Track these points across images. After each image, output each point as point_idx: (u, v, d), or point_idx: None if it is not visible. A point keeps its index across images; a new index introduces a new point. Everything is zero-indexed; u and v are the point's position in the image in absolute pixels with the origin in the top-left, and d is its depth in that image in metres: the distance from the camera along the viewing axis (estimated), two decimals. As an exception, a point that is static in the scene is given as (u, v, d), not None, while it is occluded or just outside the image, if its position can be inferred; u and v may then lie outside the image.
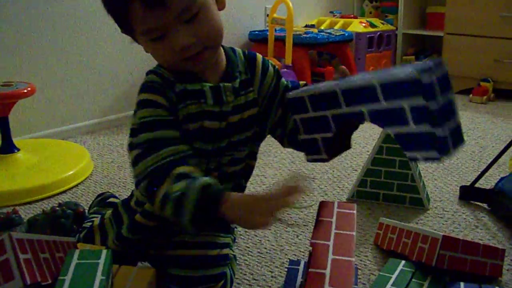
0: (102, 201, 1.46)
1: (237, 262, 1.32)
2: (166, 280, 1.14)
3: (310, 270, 0.78)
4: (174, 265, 1.14)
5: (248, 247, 1.42)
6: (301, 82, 1.19)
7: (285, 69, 2.76)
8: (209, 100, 1.06)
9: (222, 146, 1.12)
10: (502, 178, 1.63)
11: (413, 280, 1.14)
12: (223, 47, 1.14)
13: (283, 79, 1.19)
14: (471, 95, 3.14)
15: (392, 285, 1.12)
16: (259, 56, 1.18)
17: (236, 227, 1.33)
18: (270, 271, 1.31)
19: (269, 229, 1.51)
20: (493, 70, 3.14)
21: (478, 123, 2.67)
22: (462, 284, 1.12)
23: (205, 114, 1.07)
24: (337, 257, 0.80)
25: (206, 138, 1.08)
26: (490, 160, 1.74)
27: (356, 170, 1.96)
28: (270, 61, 1.19)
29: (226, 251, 1.19)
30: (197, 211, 0.91)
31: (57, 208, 1.26)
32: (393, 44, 3.63)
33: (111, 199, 1.47)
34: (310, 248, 0.85)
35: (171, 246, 1.17)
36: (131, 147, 1.02)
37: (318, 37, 2.98)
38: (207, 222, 0.93)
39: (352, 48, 3.27)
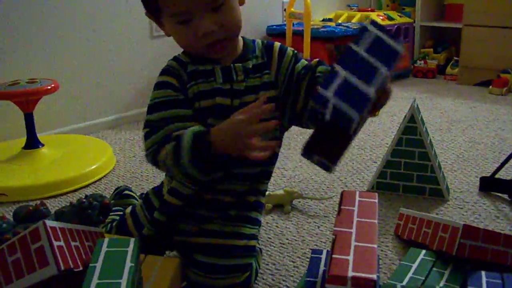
0: (118, 194, 1.51)
1: (261, 249, 1.34)
2: (190, 265, 1.17)
3: (333, 256, 0.80)
4: (201, 252, 1.17)
5: (270, 238, 1.44)
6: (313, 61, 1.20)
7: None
8: (218, 78, 1.13)
9: None
10: (522, 169, 1.63)
11: (433, 269, 1.16)
12: (243, 38, 1.19)
13: (302, 60, 1.20)
14: (490, 87, 3.12)
15: (413, 274, 1.14)
16: (277, 43, 1.22)
17: (261, 220, 1.34)
18: (292, 261, 1.33)
19: (290, 220, 1.53)
20: (512, 61, 3.12)
21: (498, 115, 2.66)
22: (483, 273, 1.13)
23: (216, 91, 1.13)
24: (360, 244, 0.82)
25: (221, 115, 1.11)
26: (510, 152, 1.74)
27: (375, 162, 1.97)
28: (288, 47, 1.22)
29: (253, 242, 1.22)
30: (193, 150, 0.99)
31: (84, 200, 1.29)
32: (410, 37, 3.62)
33: (126, 192, 1.51)
34: (333, 236, 0.86)
35: (200, 233, 1.20)
36: (144, 125, 1.11)
37: (336, 30, 2.99)
38: (206, 160, 1.00)
39: (370, 41, 3.26)
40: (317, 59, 1.19)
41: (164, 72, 1.14)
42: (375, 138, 2.30)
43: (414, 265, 1.17)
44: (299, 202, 1.65)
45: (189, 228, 1.21)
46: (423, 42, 3.79)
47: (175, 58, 1.16)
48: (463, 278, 1.13)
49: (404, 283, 1.11)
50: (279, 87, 1.17)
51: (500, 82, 3.09)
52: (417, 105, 1.64)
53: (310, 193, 1.73)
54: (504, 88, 3.07)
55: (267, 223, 1.52)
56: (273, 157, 1.25)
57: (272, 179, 1.83)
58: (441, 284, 1.11)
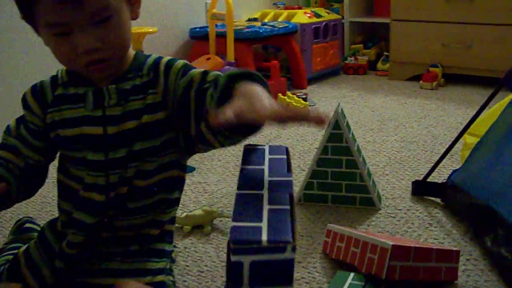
0: (18, 228, 1.33)
1: (176, 285, 1.20)
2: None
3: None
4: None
5: (188, 266, 1.30)
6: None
7: (228, 66, 2.64)
8: (88, 104, 0.99)
9: (120, 157, 0.99)
10: (454, 171, 1.55)
11: (363, 295, 1.05)
12: (136, 53, 1.05)
13: (192, 71, 0.99)
14: (421, 82, 3.09)
15: (340, 303, 1.02)
16: (166, 58, 1.05)
17: (173, 250, 1.19)
18: (209, 292, 1.19)
19: (211, 243, 1.39)
20: (441, 55, 3.09)
21: (429, 110, 2.61)
22: (415, 296, 1.03)
23: (84, 120, 0.99)
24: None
25: (93, 146, 0.98)
26: (442, 150, 1.66)
27: (304, 170, 1.85)
28: (180, 59, 1.04)
29: (160, 278, 1.07)
30: None
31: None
32: (340, 34, 3.54)
33: (28, 225, 1.33)
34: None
35: (101, 273, 1.05)
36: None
37: (261, 31, 2.87)
38: None
39: (297, 40, 3.16)
40: (202, 70, 0.99)
41: (31, 89, 1.05)
42: (303, 142, 2.19)
43: (342, 293, 1.06)
44: (221, 221, 1.51)
45: (90, 267, 1.06)
46: (353, 38, 3.73)
47: (53, 76, 1.04)
48: (395, 304, 1.02)
49: (330, 315, 0.99)
50: (169, 108, 1.00)
51: (430, 76, 3.06)
52: (342, 109, 1.53)
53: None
54: (434, 82, 3.03)
55: (185, 248, 1.38)
56: (173, 184, 1.09)
57: (192, 195, 1.69)
58: (370, 316, 0.99)
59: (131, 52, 1.03)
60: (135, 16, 0.99)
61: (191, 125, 0.96)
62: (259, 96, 0.75)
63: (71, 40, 0.90)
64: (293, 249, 0.58)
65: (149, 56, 1.05)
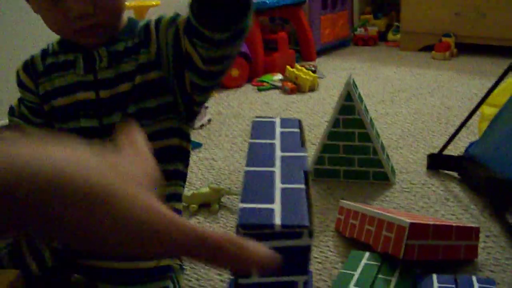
0: None
1: (183, 268, 1.15)
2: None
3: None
4: (105, 280, 0.97)
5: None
6: None
7: (234, 39, 2.57)
8: (79, 69, 0.93)
9: (115, 122, 0.93)
10: (471, 144, 1.48)
11: (379, 276, 0.99)
12: (129, 18, 0.98)
13: (180, 18, 0.91)
14: (433, 52, 3.00)
15: (355, 285, 0.96)
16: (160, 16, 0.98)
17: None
18: (218, 274, 1.14)
19: (218, 222, 1.34)
20: (454, 24, 2.99)
21: (442, 82, 2.53)
22: (435, 277, 0.97)
23: (76, 86, 0.94)
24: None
25: (87, 113, 0.93)
26: (457, 122, 1.60)
27: (314, 144, 1.79)
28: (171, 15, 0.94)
29: (166, 261, 1.01)
30: None
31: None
32: (349, 4, 3.45)
33: None
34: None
35: (100, 255, 1.00)
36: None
37: (267, 1, 2.78)
38: None
39: (305, 11, 3.08)
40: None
41: (23, 65, 0.99)
42: (313, 116, 2.12)
43: (357, 273, 1.00)
44: (228, 199, 1.46)
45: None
46: (362, 8, 3.64)
47: (43, 49, 0.99)
48: (413, 286, 0.97)
49: (345, 298, 0.94)
50: (164, 67, 0.93)
51: (442, 46, 2.97)
52: (353, 80, 1.46)
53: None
54: (446, 52, 2.95)
55: (192, 227, 1.33)
56: (175, 154, 1.01)
57: (199, 172, 1.64)
58: (388, 299, 0.94)
59: (125, 18, 0.97)
60: None
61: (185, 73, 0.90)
62: None
63: (63, 5, 0.85)
64: (310, 235, 0.52)
65: (143, 21, 0.98)
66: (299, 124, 0.81)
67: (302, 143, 0.73)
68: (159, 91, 0.95)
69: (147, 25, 0.95)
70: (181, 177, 1.06)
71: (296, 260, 0.53)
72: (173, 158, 1.01)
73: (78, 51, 0.94)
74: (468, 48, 3.04)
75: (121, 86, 0.93)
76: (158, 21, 0.95)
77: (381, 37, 3.50)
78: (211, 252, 0.32)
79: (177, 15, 0.93)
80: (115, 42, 0.93)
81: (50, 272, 1.00)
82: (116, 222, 0.29)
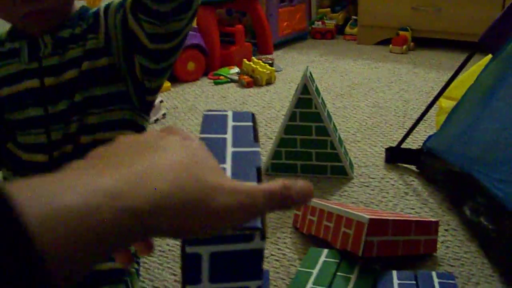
0: None
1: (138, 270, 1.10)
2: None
3: None
4: None
5: (148, 245, 1.20)
6: None
7: (190, 32, 2.51)
8: (23, 57, 0.87)
9: (61, 110, 0.88)
10: (430, 136, 1.47)
11: (338, 273, 0.96)
12: (83, 6, 0.92)
13: (127, 1, 0.85)
14: (390, 46, 3.01)
15: (314, 284, 0.93)
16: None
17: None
18: (173, 274, 1.10)
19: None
20: (411, 18, 3.00)
21: (400, 75, 2.53)
22: (394, 273, 0.95)
23: (20, 74, 0.88)
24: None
25: (33, 102, 0.87)
26: (415, 115, 1.58)
27: (271, 138, 1.75)
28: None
29: (119, 264, 0.95)
30: None
31: None
32: (307, -3, 3.43)
33: None
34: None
35: None
36: None
37: (224, -7, 2.74)
38: None
39: (262, 3, 3.04)
40: None
41: None
42: (269, 109, 2.08)
43: (315, 271, 0.97)
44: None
45: None
46: (320, 2, 3.63)
47: None
48: (373, 283, 0.94)
49: (302, 298, 0.90)
50: (114, 52, 0.88)
51: (400, 40, 2.98)
52: (310, 73, 1.43)
53: (198, 182, 1.49)
54: (404, 46, 2.95)
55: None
56: None
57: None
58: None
59: (77, 6, 0.91)
60: None
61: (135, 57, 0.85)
62: None
63: None
64: (262, 238, 0.48)
65: (94, 8, 0.92)
66: (253, 118, 0.76)
67: (255, 138, 0.69)
68: (109, 78, 0.89)
69: (96, 11, 0.90)
70: None
71: (249, 264, 0.49)
72: None
73: (24, 38, 0.88)
74: (425, 42, 3.06)
75: (67, 73, 0.87)
76: (107, 6, 0.89)
77: (339, 31, 3.49)
78: (279, 203, 0.37)
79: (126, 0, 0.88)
80: (62, 29, 0.87)
81: None
82: (216, 214, 0.33)
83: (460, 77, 1.44)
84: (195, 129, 1.89)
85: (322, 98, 1.45)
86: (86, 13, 0.90)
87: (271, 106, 2.12)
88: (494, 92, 1.23)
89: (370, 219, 0.95)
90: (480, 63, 1.47)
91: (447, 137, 1.38)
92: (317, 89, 1.43)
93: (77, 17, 0.89)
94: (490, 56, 1.35)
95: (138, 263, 1.01)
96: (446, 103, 1.50)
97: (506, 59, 1.23)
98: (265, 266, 1.10)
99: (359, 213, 0.99)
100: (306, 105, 1.40)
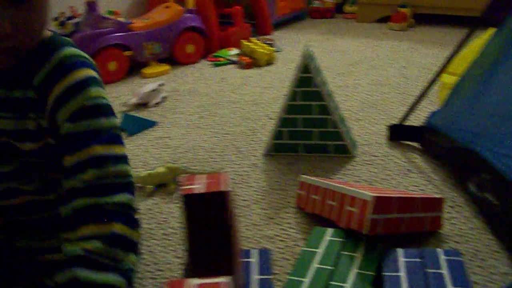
0: None
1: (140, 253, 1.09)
2: None
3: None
4: (50, 275, 0.90)
5: (152, 229, 1.19)
6: None
7: (188, 14, 2.48)
8: None
9: None
10: (433, 113, 1.45)
11: (343, 252, 0.95)
12: (54, 36, 0.83)
13: (92, 154, 0.77)
14: (390, 23, 2.98)
15: (319, 264, 0.92)
16: (75, 74, 0.79)
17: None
18: (176, 257, 1.09)
19: (176, 203, 1.28)
20: (410, -6, 2.97)
21: (400, 52, 2.51)
22: (400, 252, 0.94)
23: None
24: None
25: None
26: (416, 92, 1.57)
27: (272, 119, 1.74)
28: (89, 86, 0.78)
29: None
30: None
31: None
32: (304, -24, 3.39)
33: None
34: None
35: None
36: None
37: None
38: None
39: (261, -17, 3.00)
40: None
41: None
42: (270, 90, 2.07)
43: (320, 251, 0.96)
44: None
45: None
46: (318, -20, 3.58)
47: None
48: (378, 261, 0.93)
49: (309, 278, 0.89)
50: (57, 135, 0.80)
51: (399, 16, 2.95)
52: (311, 51, 1.41)
53: (199, 164, 1.48)
54: (403, 23, 2.93)
55: (149, 210, 1.27)
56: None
57: (154, 151, 1.57)
58: (353, 277, 0.90)
59: (46, 34, 0.82)
60: None
61: None
62: None
63: None
64: None
65: (63, 46, 0.81)
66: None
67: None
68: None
69: (54, 76, 0.79)
70: None
71: None
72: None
73: None
74: (425, 18, 3.03)
75: None
76: (63, 99, 0.78)
77: (338, 9, 3.46)
78: None
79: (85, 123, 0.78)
80: (20, 69, 0.79)
81: None
82: None
83: (461, 52, 1.43)
84: (195, 112, 1.87)
85: (322, 77, 1.43)
86: (50, 56, 0.80)
87: (272, 87, 2.10)
88: (499, 65, 1.21)
89: (374, 197, 0.94)
90: (482, 37, 1.45)
91: (451, 112, 1.36)
92: (317, 67, 1.41)
93: (37, 60, 0.80)
94: (492, 30, 1.33)
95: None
96: (448, 79, 1.48)
97: (511, 31, 1.21)
98: (269, 246, 1.09)
99: (363, 191, 0.98)
100: (307, 84, 1.38)
